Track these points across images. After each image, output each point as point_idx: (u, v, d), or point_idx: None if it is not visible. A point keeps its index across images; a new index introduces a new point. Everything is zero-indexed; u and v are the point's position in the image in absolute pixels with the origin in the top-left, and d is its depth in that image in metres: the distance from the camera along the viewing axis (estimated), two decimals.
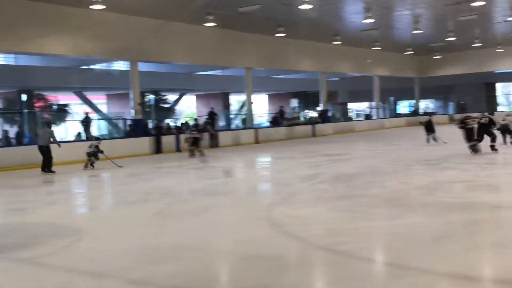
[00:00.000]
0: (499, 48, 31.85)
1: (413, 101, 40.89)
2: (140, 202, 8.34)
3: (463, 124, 13.51)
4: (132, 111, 19.27)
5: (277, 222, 6.32)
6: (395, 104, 42.44)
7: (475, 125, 13.19)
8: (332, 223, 6.03)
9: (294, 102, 40.03)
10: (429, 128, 18.15)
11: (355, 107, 43.85)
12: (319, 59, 28.30)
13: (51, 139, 13.50)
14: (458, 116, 25.43)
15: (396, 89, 39.78)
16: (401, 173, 10.09)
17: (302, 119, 29.59)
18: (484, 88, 40.65)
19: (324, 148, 18.54)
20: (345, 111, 38.50)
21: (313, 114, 35.06)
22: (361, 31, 24.77)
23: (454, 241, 5.00)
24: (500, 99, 43.00)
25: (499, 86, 44.55)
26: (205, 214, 7.01)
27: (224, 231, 5.99)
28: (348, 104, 41.63)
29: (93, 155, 14.37)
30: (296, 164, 13.15)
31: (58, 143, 13.84)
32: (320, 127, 27.34)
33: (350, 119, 36.21)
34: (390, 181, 9.08)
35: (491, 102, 39.25)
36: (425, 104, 44.77)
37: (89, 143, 14.98)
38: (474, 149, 13.03)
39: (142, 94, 23.30)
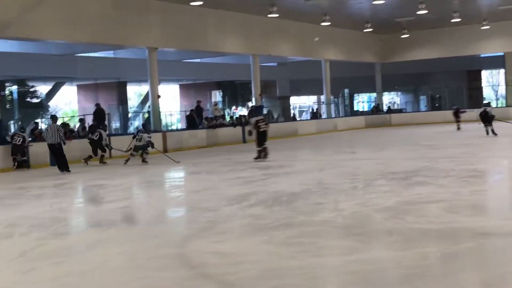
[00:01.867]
0: (485, 25, 33.52)
1: (374, 95, 42.20)
2: (1, 237, 8.06)
3: (256, 128, 16.94)
4: None
5: (194, 262, 6.28)
6: (351, 98, 43.61)
7: (267, 129, 17.23)
8: (269, 261, 6.06)
9: (217, 96, 40.14)
10: (486, 119, 21.99)
11: (299, 103, 44.68)
12: (250, 37, 28.58)
13: (60, 135, 16.58)
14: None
15: (353, 79, 40.92)
16: (360, 191, 10.35)
17: (228, 118, 29.75)
18: (466, 77, 42.61)
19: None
20: (285, 107, 39.13)
21: (243, 111, 35.31)
22: (306, 1, 25.28)
23: (429, 281, 5.16)
24: (485, 91, 45.21)
25: (484, 74, 46.85)
26: (93, 253, 6.86)
27: (120, 275, 5.88)
28: (289, 98, 42.33)
29: (142, 149, 17.89)
30: (220, 180, 13.15)
31: (64, 140, 16.80)
32: None
33: (293, 119, 36.80)
34: (345, 201, 9.28)
35: (475, 95, 41.13)
36: (390, 98, 46.33)
37: (139, 134, 18.27)
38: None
39: (1, 84, 22.52)
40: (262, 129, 17.04)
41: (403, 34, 35.40)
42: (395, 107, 44.48)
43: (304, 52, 32.70)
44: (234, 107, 39.73)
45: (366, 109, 44.58)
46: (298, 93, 43.56)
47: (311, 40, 32.00)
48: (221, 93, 40.47)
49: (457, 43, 36.52)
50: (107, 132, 20.94)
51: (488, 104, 23.79)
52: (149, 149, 18.17)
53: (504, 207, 8.63)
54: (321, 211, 8.62)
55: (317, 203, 9.31)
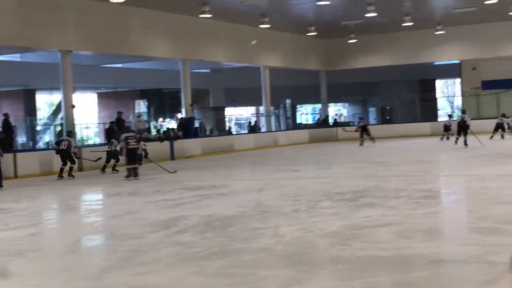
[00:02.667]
0: (439, 30, 34.41)
1: (318, 106, 42.70)
2: None
3: (125, 144, 18.29)
4: None
5: None
6: (293, 110, 44.02)
7: (139, 146, 18.96)
8: None
9: (141, 106, 39.89)
10: (464, 128, 23.87)
11: (235, 114, 44.82)
12: (179, 40, 28.55)
13: None
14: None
15: (295, 88, 41.33)
16: (303, 214, 10.44)
17: (154, 132, 29.57)
18: (419, 87, 43.61)
19: (189, 177, 18.69)
20: (220, 119, 39.17)
21: (171, 124, 35.16)
22: (242, 1, 25.44)
23: None
24: (440, 102, 46.36)
25: (439, 84, 48.10)
26: None
27: None
28: (224, 109, 42.40)
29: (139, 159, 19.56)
30: (144, 203, 13.05)
31: (2, 153, 17.28)
32: (183, 144, 27.50)
33: (228, 132, 36.85)
34: (286, 226, 9.34)
35: (429, 107, 42.09)
36: (337, 110, 46.98)
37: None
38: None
39: None
40: (130, 146, 18.39)
41: (351, 38, 36.02)
42: (342, 119, 45.12)
43: (241, 57, 32.85)
44: (161, 119, 39.53)
45: (310, 121, 45.08)
46: (234, 103, 43.70)
47: (248, 44, 32.18)
48: (146, 103, 40.22)
49: (410, 49, 37.37)
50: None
51: (465, 112, 25.21)
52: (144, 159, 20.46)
53: (460, 231, 8.84)
54: (260, 237, 8.64)
55: (255, 228, 9.34)
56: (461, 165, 19.29)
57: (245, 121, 43.30)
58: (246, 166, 23.32)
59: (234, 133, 37.93)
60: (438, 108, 44.36)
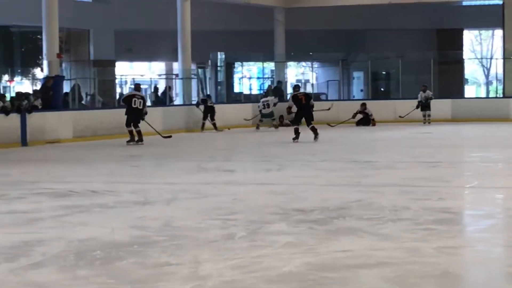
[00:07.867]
0: None
1: (271, 66, 42.83)
2: None
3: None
4: None
5: None
6: (229, 71, 44.04)
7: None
8: None
9: None
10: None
11: (133, 74, 44.59)
12: None
13: None
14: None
15: (233, 36, 41.32)
16: (240, 244, 10.38)
17: None
18: (435, 42, 43.70)
19: (52, 175, 18.76)
20: (107, 82, 38.93)
21: (24, 86, 34.82)
22: None
23: None
24: (469, 67, 46.56)
25: (468, 37, 48.34)
26: None
27: None
28: (115, 64, 42.11)
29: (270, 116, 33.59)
30: None
31: None
32: (42, 120, 27.25)
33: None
34: (212, 262, 9.25)
35: (451, 75, 42.20)
36: (300, 73, 46.97)
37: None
38: None
39: None
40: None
41: None
42: (308, 89, 45.11)
43: None
44: (6, 78, 39.13)
45: (255, 91, 45.01)
46: (130, 55, 43.59)
47: None
48: None
49: None
50: None
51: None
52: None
53: (493, 279, 8.83)
54: (166, 279, 8.53)
55: (158, 264, 9.22)
56: (499, 170, 19.43)
57: (148, 87, 43.13)
58: (146, 160, 23.22)
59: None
60: (465, 76, 44.57)
